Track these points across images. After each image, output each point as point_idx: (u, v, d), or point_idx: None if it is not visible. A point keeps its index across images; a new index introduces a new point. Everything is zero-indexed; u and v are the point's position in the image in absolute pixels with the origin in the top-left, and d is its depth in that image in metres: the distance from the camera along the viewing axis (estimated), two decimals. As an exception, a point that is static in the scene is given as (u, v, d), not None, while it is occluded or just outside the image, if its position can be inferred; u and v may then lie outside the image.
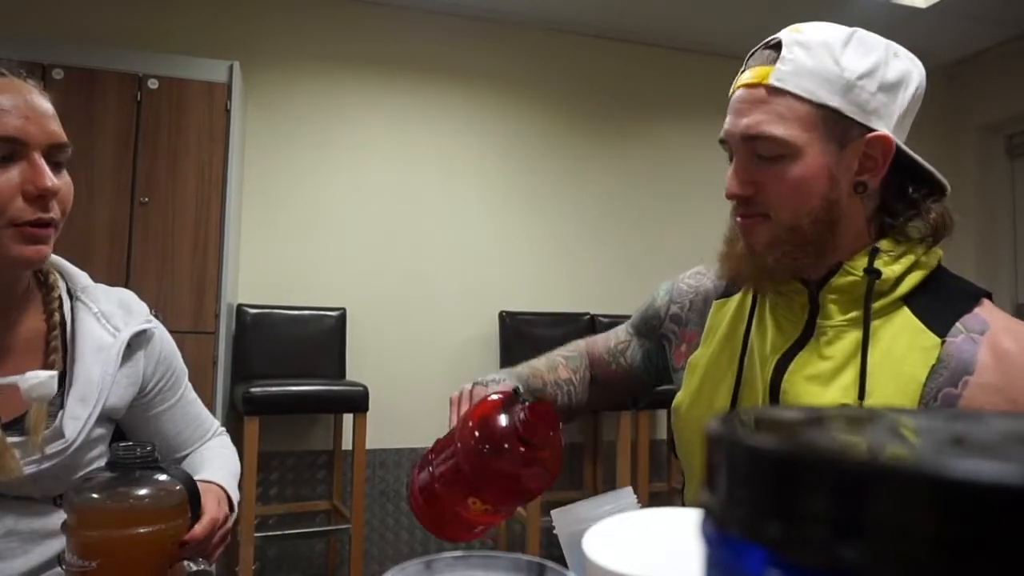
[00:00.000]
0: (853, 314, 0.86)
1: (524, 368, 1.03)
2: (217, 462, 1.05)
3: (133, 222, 2.69)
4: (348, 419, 2.97)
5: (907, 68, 0.85)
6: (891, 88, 0.83)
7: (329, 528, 3.06)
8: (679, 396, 1.01)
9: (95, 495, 0.73)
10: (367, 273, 3.36)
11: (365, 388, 2.82)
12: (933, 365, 0.81)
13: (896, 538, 0.15)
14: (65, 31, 2.97)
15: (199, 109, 2.80)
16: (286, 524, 3.04)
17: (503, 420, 0.73)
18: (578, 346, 1.16)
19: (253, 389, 2.64)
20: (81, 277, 0.99)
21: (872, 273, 0.85)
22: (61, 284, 0.97)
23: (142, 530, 0.73)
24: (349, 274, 3.33)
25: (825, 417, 0.21)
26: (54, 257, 0.99)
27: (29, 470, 0.85)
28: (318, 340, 3.12)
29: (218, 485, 0.94)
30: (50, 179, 0.82)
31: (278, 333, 3.06)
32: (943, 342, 0.82)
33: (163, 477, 0.77)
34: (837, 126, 0.82)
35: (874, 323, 0.85)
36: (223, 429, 1.17)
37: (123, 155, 2.69)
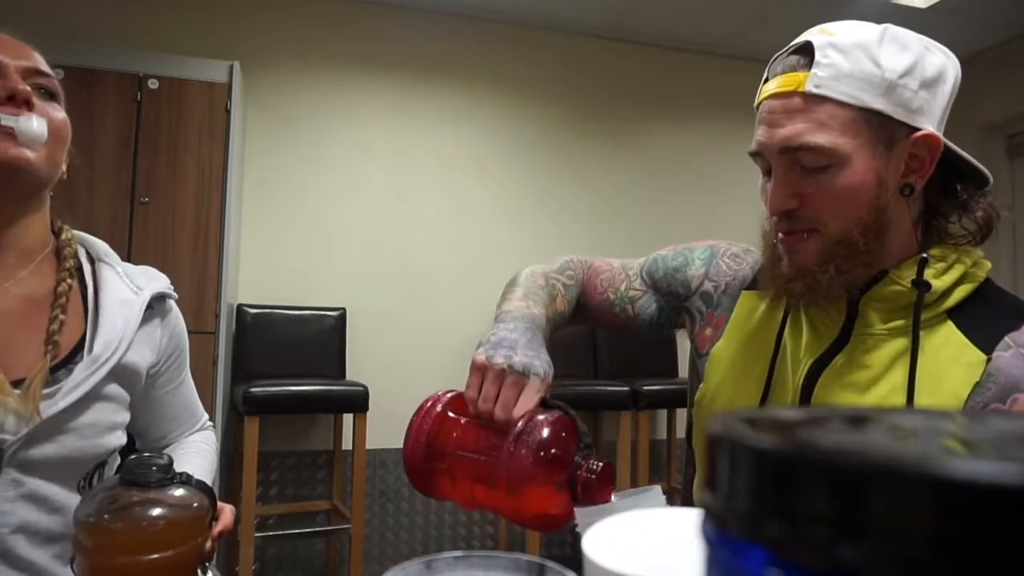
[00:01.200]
0: (896, 323, 0.82)
1: (538, 310, 0.94)
2: (197, 460, 1.05)
3: (133, 222, 2.69)
4: (348, 419, 2.97)
5: (943, 62, 0.82)
6: (931, 84, 0.80)
7: (329, 528, 3.06)
8: (702, 388, 0.98)
9: (120, 522, 0.69)
10: (367, 273, 3.35)
11: (365, 388, 2.82)
12: (977, 382, 0.78)
13: (896, 538, 0.15)
14: (65, 31, 2.97)
15: (199, 109, 2.80)
16: (286, 524, 3.04)
17: (562, 461, 0.70)
18: (577, 273, 1.08)
19: (253, 389, 2.64)
20: (101, 245, 1.01)
21: (922, 286, 0.81)
22: (82, 251, 0.98)
23: (181, 549, 0.69)
24: (349, 274, 3.33)
25: (825, 417, 0.21)
26: (74, 231, 1.00)
27: (48, 412, 0.83)
28: (318, 340, 3.12)
29: None
30: (19, 82, 0.84)
31: (278, 333, 3.06)
32: (989, 358, 0.79)
33: (186, 491, 0.73)
34: (882, 128, 0.79)
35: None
36: (211, 423, 1.17)
37: (123, 155, 2.69)
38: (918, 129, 0.79)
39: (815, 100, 0.78)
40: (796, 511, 0.17)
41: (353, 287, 3.32)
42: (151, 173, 2.73)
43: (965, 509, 0.14)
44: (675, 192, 3.88)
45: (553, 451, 0.70)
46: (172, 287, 1.04)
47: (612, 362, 3.48)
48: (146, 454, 0.75)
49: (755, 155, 0.85)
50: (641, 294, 1.06)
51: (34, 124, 0.83)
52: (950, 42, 0.88)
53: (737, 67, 4.04)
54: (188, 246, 2.75)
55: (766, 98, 0.83)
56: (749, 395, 0.91)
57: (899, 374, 0.81)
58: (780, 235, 0.85)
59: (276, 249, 3.24)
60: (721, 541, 0.19)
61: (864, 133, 0.78)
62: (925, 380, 0.79)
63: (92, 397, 0.88)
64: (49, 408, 0.83)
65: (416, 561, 0.40)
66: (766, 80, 0.85)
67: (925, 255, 0.82)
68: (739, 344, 0.96)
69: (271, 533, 2.85)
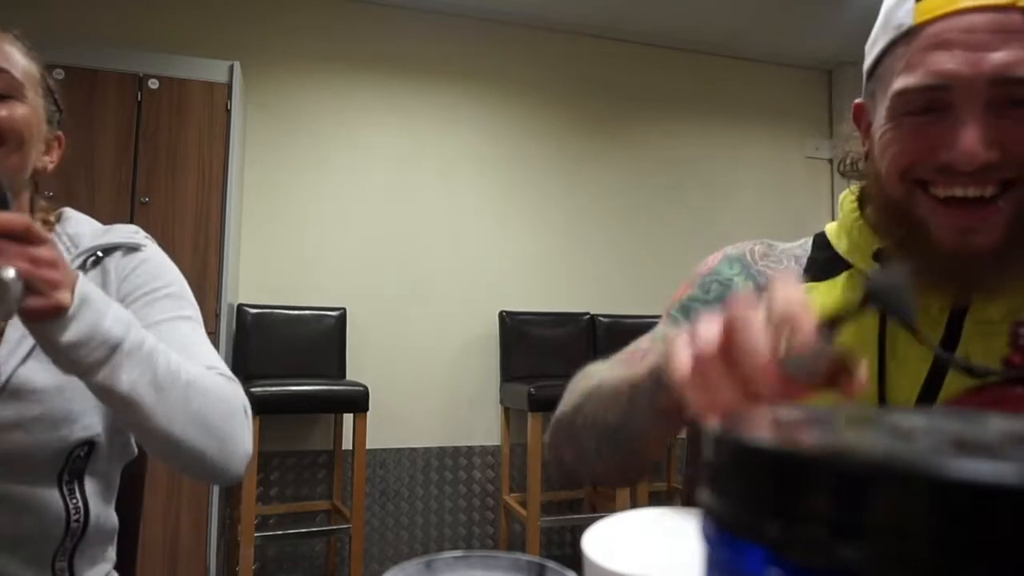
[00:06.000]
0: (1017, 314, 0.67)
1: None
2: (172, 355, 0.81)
3: (133, 222, 2.68)
4: (348, 419, 2.97)
5: None
6: None
7: (329, 528, 3.06)
8: None
9: None
10: (367, 273, 3.36)
11: (365, 388, 2.82)
12: None
13: (896, 538, 0.15)
14: (65, 31, 2.97)
15: (199, 109, 2.81)
16: (286, 524, 3.04)
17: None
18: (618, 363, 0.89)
19: (253, 389, 2.64)
20: (67, 211, 0.93)
21: None
22: (63, 238, 0.91)
23: None
24: (349, 274, 3.33)
25: (826, 417, 0.21)
26: (69, 212, 0.93)
27: None
28: (318, 340, 3.12)
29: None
30: None
31: (278, 333, 3.06)
32: None
33: None
34: None
35: None
36: (231, 377, 0.89)
37: (123, 155, 2.69)
38: None
39: None
40: (796, 511, 0.17)
41: (353, 287, 3.32)
42: (151, 173, 2.73)
43: (965, 509, 0.14)
44: (675, 191, 3.88)
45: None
46: (135, 238, 0.91)
47: (612, 362, 3.48)
48: None
49: (924, 89, 0.65)
50: None
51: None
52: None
53: (737, 67, 4.04)
54: (188, 246, 2.75)
55: (953, 11, 0.64)
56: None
57: None
58: (947, 209, 0.65)
59: (276, 249, 3.24)
60: (721, 541, 0.19)
61: None
62: None
63: (22, 389, 0.79)
64: None
65: (416, 561, 0.40)
66: None
67: None
68: None
69: (271, 533, 2.84)
